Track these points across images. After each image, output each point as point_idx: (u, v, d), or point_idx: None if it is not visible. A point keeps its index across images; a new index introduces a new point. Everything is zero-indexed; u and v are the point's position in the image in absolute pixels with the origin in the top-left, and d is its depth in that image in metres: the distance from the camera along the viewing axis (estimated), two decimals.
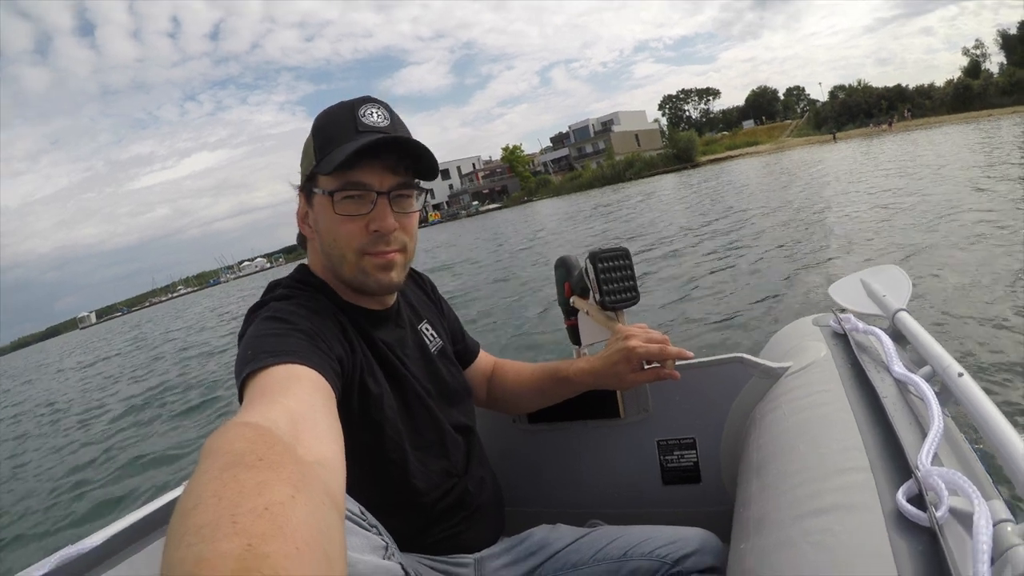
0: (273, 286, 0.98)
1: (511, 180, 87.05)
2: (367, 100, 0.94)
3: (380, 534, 0.78)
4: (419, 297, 1.22)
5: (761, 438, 1.03)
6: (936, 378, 0.90)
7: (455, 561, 1.04)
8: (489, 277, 11.98)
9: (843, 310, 1.29)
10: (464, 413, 1.14)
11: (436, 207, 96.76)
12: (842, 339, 1.18)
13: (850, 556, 0.63)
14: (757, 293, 6.21)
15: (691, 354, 1.09)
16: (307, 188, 0.97)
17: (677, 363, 1.10)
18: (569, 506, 1.46)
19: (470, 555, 1.07)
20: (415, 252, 1.03)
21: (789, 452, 0.90)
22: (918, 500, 0.64)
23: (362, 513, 0.77)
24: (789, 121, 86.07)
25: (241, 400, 0.70)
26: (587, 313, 1.27)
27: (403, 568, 0.78)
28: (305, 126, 0.97)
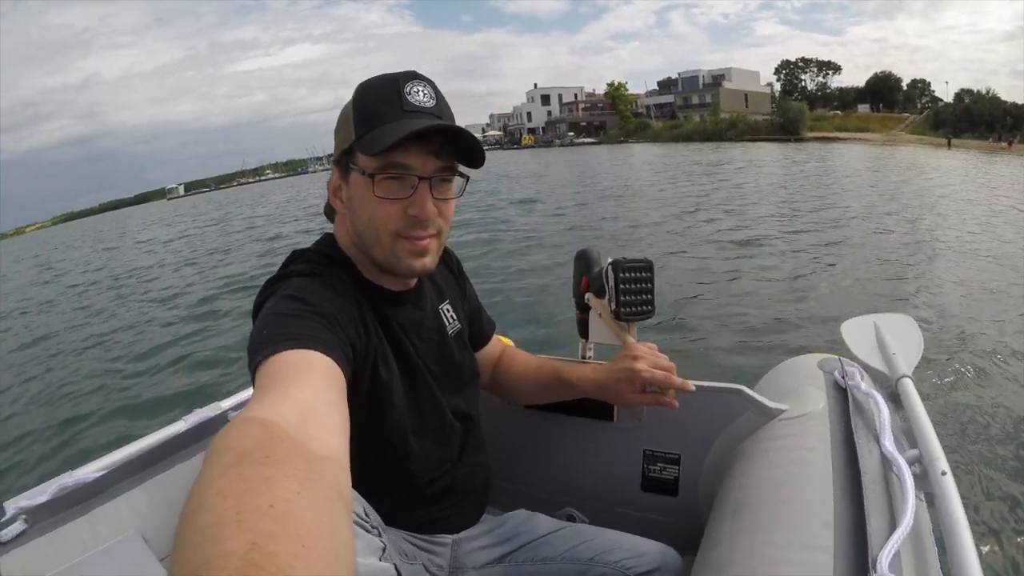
0: (296, 256, 0.97)
1: (610, 117, 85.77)
2: (413, 76, 0.90)
3: (380, 535, 0.77)
4: (445, 275, 1.20)
5: (744, 476, 1.05)
6: (921, 463, 0.91)
7: (435, 540, 1.08)
8: (567, 223, 11.15)
9: (849, 355, 1.31)
10: (468, 400, 1.14)
11: (531, 131, 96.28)
12: (842, 392, 1.16)
13: None
14: (798, 310, 5.64)
15: (692, 388, 1.05)
16: (344, 163, 0.93)
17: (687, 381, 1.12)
18: (549, 492, 1.50)
19: (450, 536, 1.10)
20: (448, 235, 1.01)
21: (765, 505, 0.91)
22: None
23: (365, 514, 0.77)
24: (907, 115, 78.82)
25: (253, 380, 0.69)
26: (599, 315, 1.24)
27: (396, 570, 0.77)
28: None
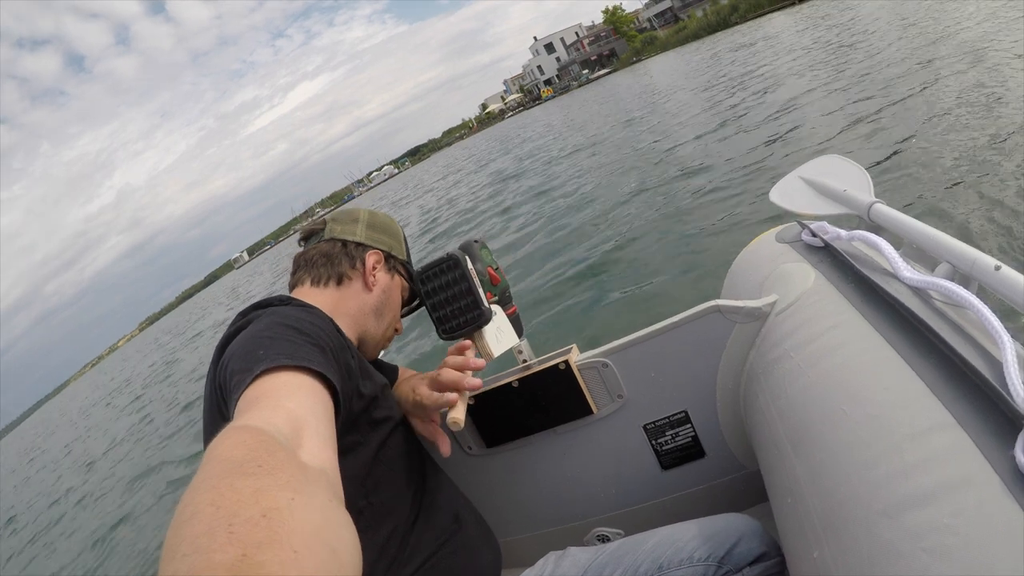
0: (269, 300, 0.98)
1: (618, 42, 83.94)
2: None
3: None
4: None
5: (777, 399, 0.86)
6: (960, 274, 0.76)
7: None
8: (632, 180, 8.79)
9: (799, 218, 1.13)
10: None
11: (547, 83, 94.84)
12: (823, 253, 1.02)
13: (987, 559, 0.46)
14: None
15: (479, 383, 0.98)
16: (392, 264, 1.16)
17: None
18: (566, 521, 1.33)
19: None
20: None
21: (828, 416, 0.72)
22: None
23: None
24: None
25: (240, 396, 0.68)
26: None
27: None
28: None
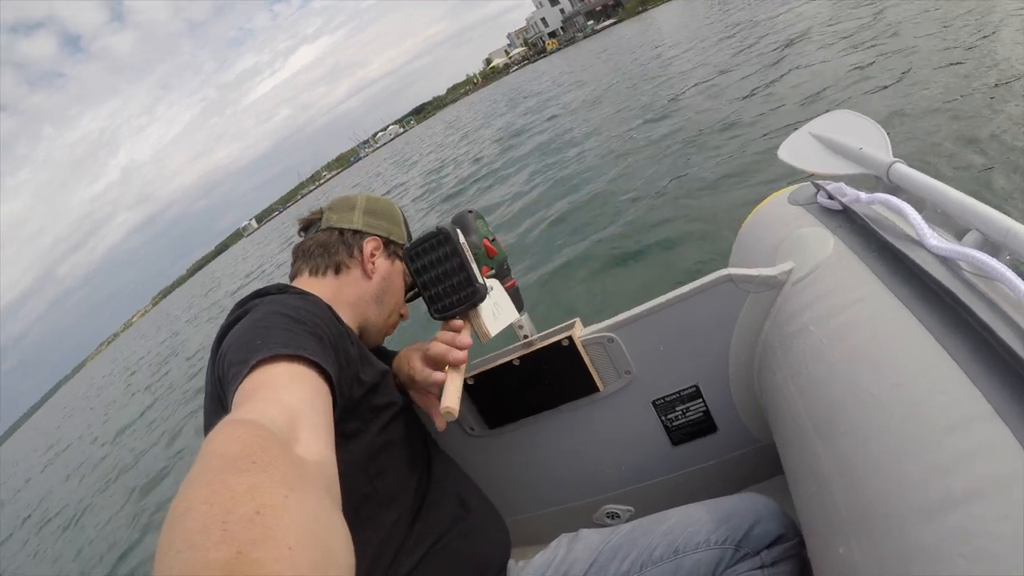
0: (266, 288, 0.97)
1: None
2: None
3: None
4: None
5: (797, 376, 0.80)
6: (991, 242, 0.71)
7: None
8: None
9: (812, 178, 1.06)
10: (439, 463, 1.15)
11: (551, 35, 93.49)
12: (841, 217, 0.95)
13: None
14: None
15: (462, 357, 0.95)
16: (392, 248, 1.14)
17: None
18: (575, 499, 1.31)
19: None
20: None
21: (856, 399, 0.66)
22: None
23: None
24: None
25: (237, 386, 0.68)
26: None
27: None
28: None
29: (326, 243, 1.10)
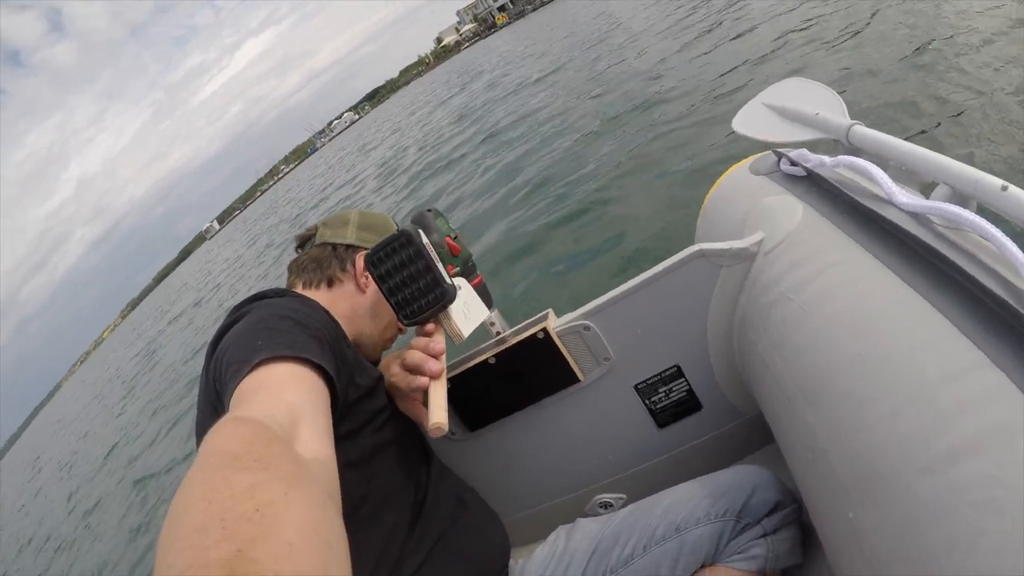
0: (267, 291, 0.97)
1: None
2: None
3: None
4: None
5: (780, 346, 0.79)
6: (960, 195, 0.72)
7: None
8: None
9: (772, 147, 1.06)
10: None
11: (501, 8, 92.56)
12: (807, 183, 0.94)
13: None
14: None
15: (441, 366, 0.90)
16: None
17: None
18: (565, 493, 1.29)
19: None
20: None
21: (845, 363, 0.65)
22: None
23: None
24: None
25: (235, 386, 0.67)
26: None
27: None
28: None
29: (319, 258, 1.10)
